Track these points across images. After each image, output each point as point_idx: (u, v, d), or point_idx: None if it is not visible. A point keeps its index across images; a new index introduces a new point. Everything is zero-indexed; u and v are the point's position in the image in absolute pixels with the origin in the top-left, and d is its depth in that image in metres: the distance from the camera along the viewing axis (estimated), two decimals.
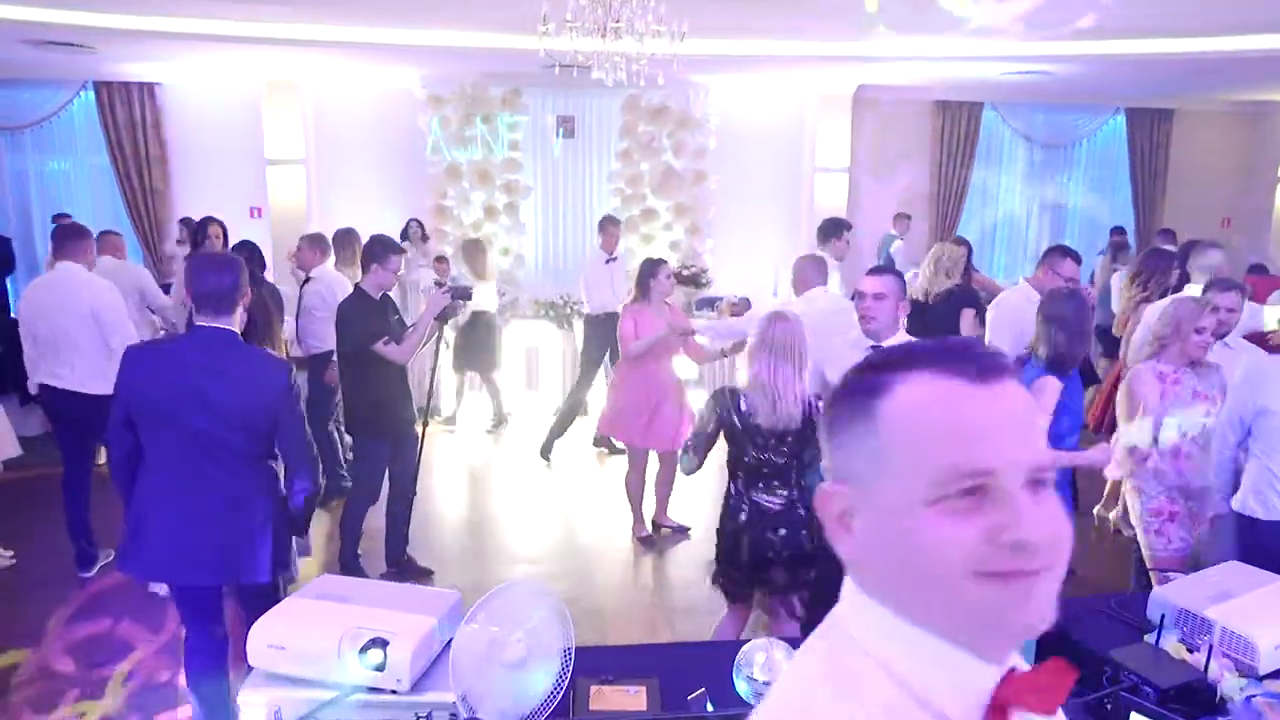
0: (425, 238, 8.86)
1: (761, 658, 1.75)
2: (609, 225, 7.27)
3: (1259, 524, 3.01)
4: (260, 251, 5.41)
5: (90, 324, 4.47)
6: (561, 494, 6.26)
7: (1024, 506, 0.74)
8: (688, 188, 9.76)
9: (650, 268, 5.21)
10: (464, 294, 4.55)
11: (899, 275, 3.33)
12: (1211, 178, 11.45)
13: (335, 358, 4.83)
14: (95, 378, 4.43)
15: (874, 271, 3.32)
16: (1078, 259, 4.67)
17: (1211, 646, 1.86)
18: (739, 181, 9.92)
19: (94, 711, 3.26)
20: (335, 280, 5.75)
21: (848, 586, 0.83)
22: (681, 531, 5.35)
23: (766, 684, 1.73)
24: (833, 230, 6.05)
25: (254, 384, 2.72)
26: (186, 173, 9.50)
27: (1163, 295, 5.01)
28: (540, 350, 8.18)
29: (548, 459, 6.78)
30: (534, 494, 6.22)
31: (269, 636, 1.73)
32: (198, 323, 2.76)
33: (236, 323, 2.78)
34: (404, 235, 8.67)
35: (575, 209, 10.20)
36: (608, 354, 7.02)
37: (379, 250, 4.35)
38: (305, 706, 1.69)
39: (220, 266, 2.79)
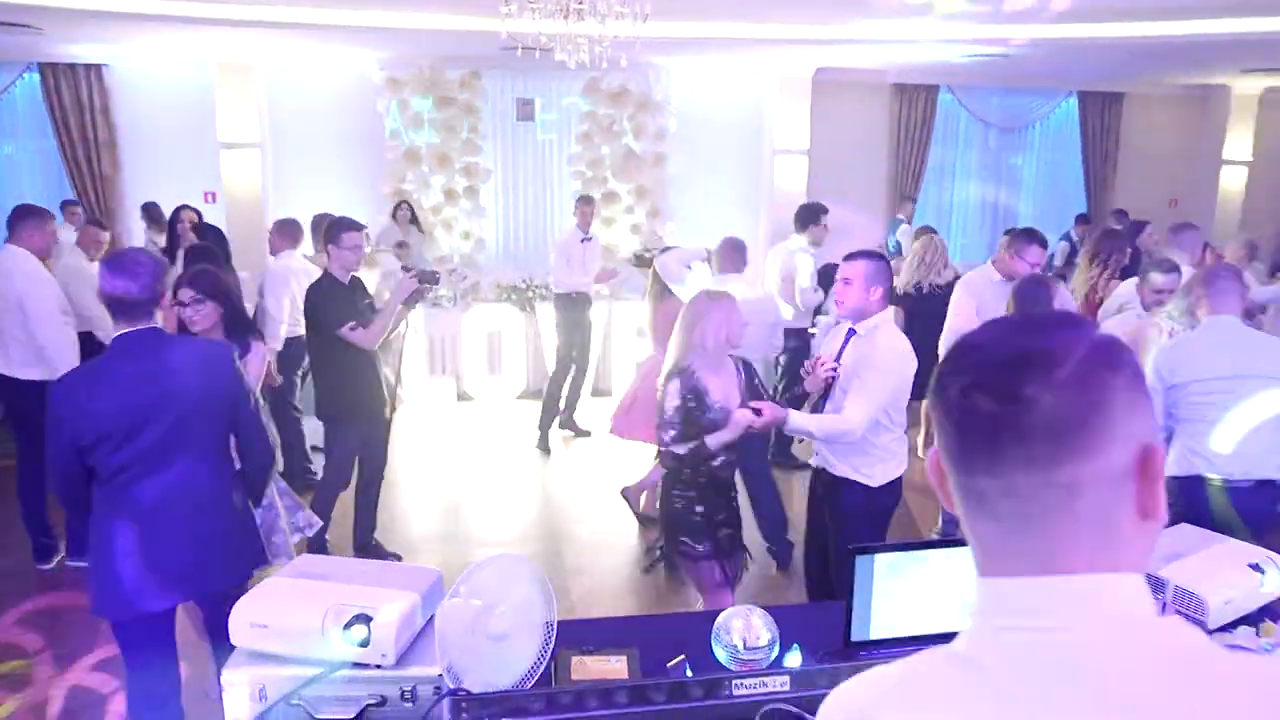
0: (414, 220, 8.72)
1: (740, 624, 1.80)
2: (584, 204, 7.25)
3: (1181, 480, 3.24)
4: (225, 238, 5.33)
5: (18, 313, 4.38)
6: (529, 477, 6.28)
7: None
8: (648, 170, 9.76)
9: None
10: (431, 278, 4.53)
11: (875, 259, 3.28)
12: (1160, 159, 11.72)
13: (306, 342, 4.79)
14: (27, 365, 4.36)
15: (848, 257, 3.33)
16: (1044, 244, 4.78)
17: (1165, 603, 1.95)
18: (699, 164, 9.95)
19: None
20: (294, 268, 5.74)
21: None
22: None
23: (747, 649, 1.78)
24: (809, 216, 6.12)
25: (200, 375, 2.58)
26: (137, 157, 9.30)
27: (1121, 274, 5.18)
28: (502, 334, 8.16)
29: (547, 449, 6.77)
30: (500, 478, 6.23)
31: (251, 615, 1.74)
32: (116, 331, 2.53)
33: (159, 321, 2.60)
34: (393, 218, 8.58)
35: (535, 192, 10.17)
36: (581, 336, 7.01)
37: (332, 231, 4.32)
38: (289, 684, 1.70)
39: (131, 268, 2.50)
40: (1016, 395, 0.76)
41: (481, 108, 9.46)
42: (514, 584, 1.68)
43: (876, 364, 3.12)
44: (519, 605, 1.67)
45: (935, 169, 11.19)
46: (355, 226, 4.37)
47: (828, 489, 3.32)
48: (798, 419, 3.15)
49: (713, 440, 3.08)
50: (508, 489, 6.02)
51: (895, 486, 3.30)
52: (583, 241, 7.05)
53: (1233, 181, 11.84)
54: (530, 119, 9.91)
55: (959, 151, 11.40)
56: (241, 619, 1.74)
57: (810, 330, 6.41)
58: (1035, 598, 0.77)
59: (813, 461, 3.43)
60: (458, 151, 9.38)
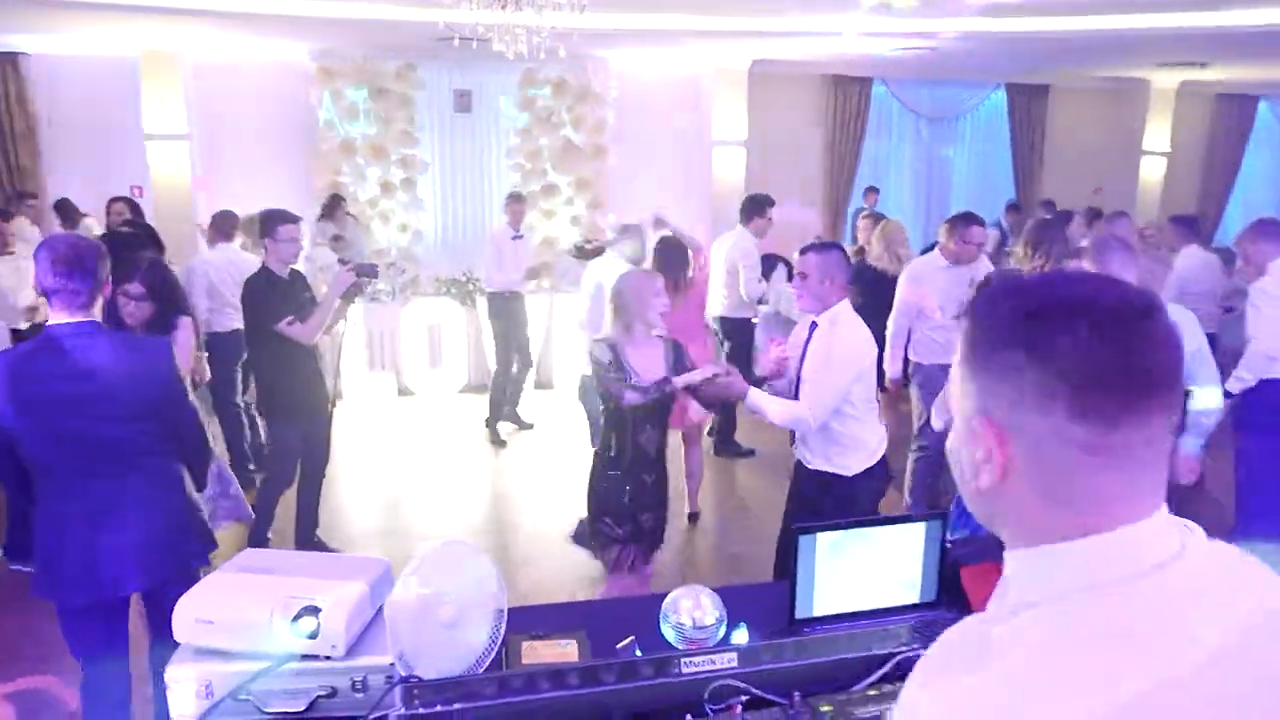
0: (348, 214, 8.60)
1: (688, 604, 1.83)
2: (514, 202, 7.19)
3: None
4: (155, 232, 5.19)
5: None
6: (472, 471, 6.25)
7: None
8: (588, 162, 9.76)
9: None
10: (370, 271, 4.48)
11: (828, 250, 3.30)
12: (1084, 150, 12.10)
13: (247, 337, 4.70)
14: None
15: (802, 251, 3.35)
16: (982, 224, 4.98)
17: None
18: (639, 155, 9.97)
19: None
20: (226, 260, 5.63)
21: None
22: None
23: (695, 628, 1.81)
24: (754, 208, 6.17)
25: (138, 371, 2.52)
26: (58, 149, 8.96)
27: (1058, 261, 5.38)
28: (442, 328, 8.09)
29: (501, 443, 6.75)
30: (444, 472, 6.19)
31: (196, 611, 1.71)
32: (51, 320, 2.45)
33: (97, 314, 2.53)
34: (327, 213, 8.40)
35: (474, 184, 10.09)
36: (518, 332, 6.99)
37: (267, 224, 4.25)
38: (236, 679, 1.68)
39: (73, 256, 2.43)
40: (1163, 343, 0.78)
41: (418, 99, 9.36)
42: (463, 571, 1.69)
43: (833, 355, 3.16)
44: (469, 592, 1.67)
45: (870, 160, 11.39)
46: (291, 219, 4.29)
47: (806, 482, 3.36)
48: (757, 397, 3.20)
49: (679, 380, 3.21)
50: (451, 483, 5.99)
51: (874, 473, 3.34)
52: (514, 239, 7.01)
53: (1152, 172, 12.28)
54: (468, 110, 9.83)
55: (893, 143, 11.62)
56: (185, 615, 1.72)
57: (753, 320, 6.50)
58: (1166, 534, 0.80)
59: (795, 453, 3.47)
60: (394, 143, 9.26)
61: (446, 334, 8.07)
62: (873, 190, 10.67)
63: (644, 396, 3.18)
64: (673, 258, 5.05)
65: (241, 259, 5.60)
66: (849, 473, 3.27)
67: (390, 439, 6.87)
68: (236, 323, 4.93)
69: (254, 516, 3.97)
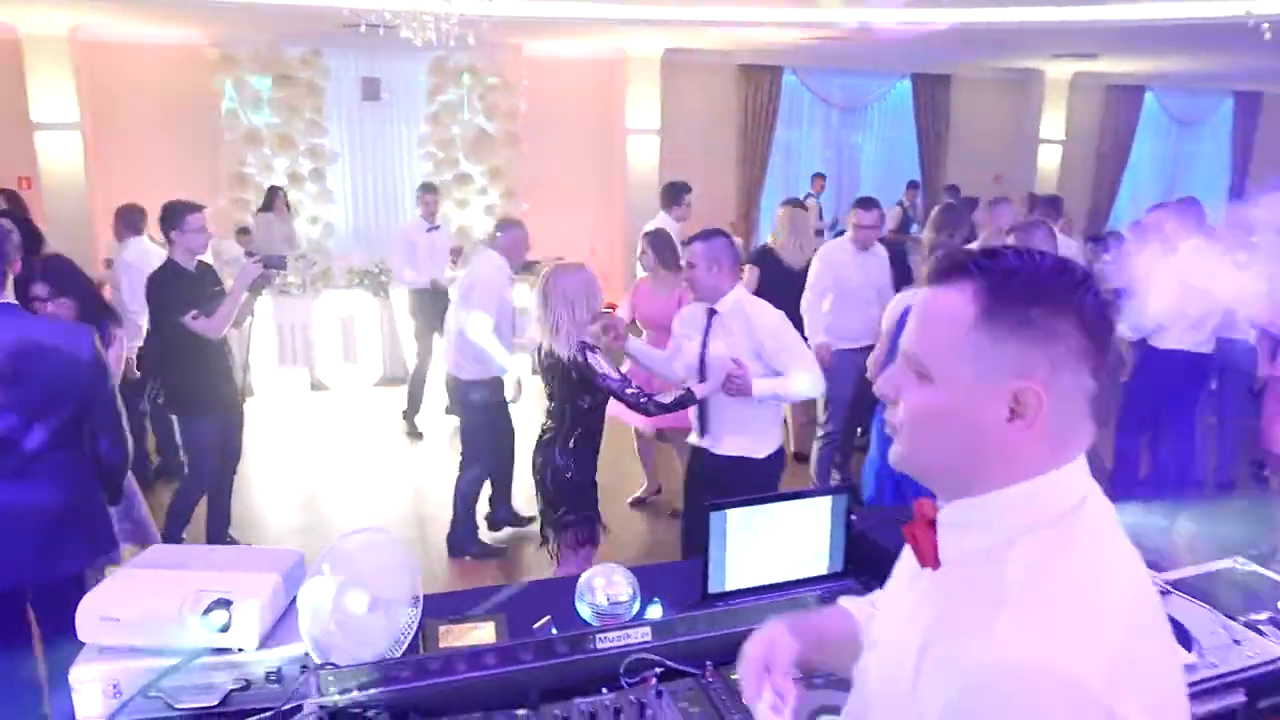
0: (288, 206, 8.39)
1: (601, 582, 1.87)
2: (426, 193, 7.06)
3: None
4: (35, 227, 4.92)
5: None
6: (389, 465, 6.18)
7: (890, 369, 1.01)
8: (501, 151, 9.70)
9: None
10: (277, 263, 4.37)
11: (711, 237, 3.27)
12: (985, 138, 12.52)
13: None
14: None
15: (685, 243, 3.34)
16: (873, 205, 5.15)
17: None
18: (553, 144, 9.95)
19: None
20: (141, 254, 5.40)
21: None
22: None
23: (610, 605, 1.85)
24: (672, 195, 6.25)
25: (56, 358, 2.43)
26: None
27: (964, 243, 5.60)
28: (356, 320, 7.95)
29: (418, 435, 6.68)
30: (360, 467, 6.11)
31: (101, 609, 1.67)
32: None
33: (10, 295, 2.45)
34: (267, 205, 8.20)
35: (385, 174, 9.92)
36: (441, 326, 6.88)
37: (172, 215, 4.11)
38: (146, 676, 1.65)
39: None
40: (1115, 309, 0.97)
41: (325, 87, 9.15)
42: (378, 558, 1.70)
43: (770, 327, 3.21)
44: (383, 579, 1.68)
45: (781, 148, 11.57)
46: (196, 208, 4.17)
47: (713, 469, 3.35)
48: (765, 386, 3.17)
49: (700, 390, 3.16)
50: (369, 477, 5.91)
51: (780, 457, 3.40)
52: (429, 231, 6.89)
53: (1049, 159, 12.80)
54: (377, 99, 9.65)
55: (804, 131, 11.83)
56: (90, 613, 1.67)
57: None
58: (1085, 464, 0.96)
59: (692, 440, 3.48)
60: (301, 133, 9.05)
61: (360, 327, 7.93)
62: (819, 176, 10.90)
63: (667, 409, 3.15)
64: (662, 245, 4.93)
65: (156, 253, 5.25)
66: (760, 455, 3.31)
67: (305, 435, 6.73)
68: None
69: (158, 538, 3.76)
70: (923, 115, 12.18)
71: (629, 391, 3.10)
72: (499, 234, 4.76)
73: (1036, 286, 0.91)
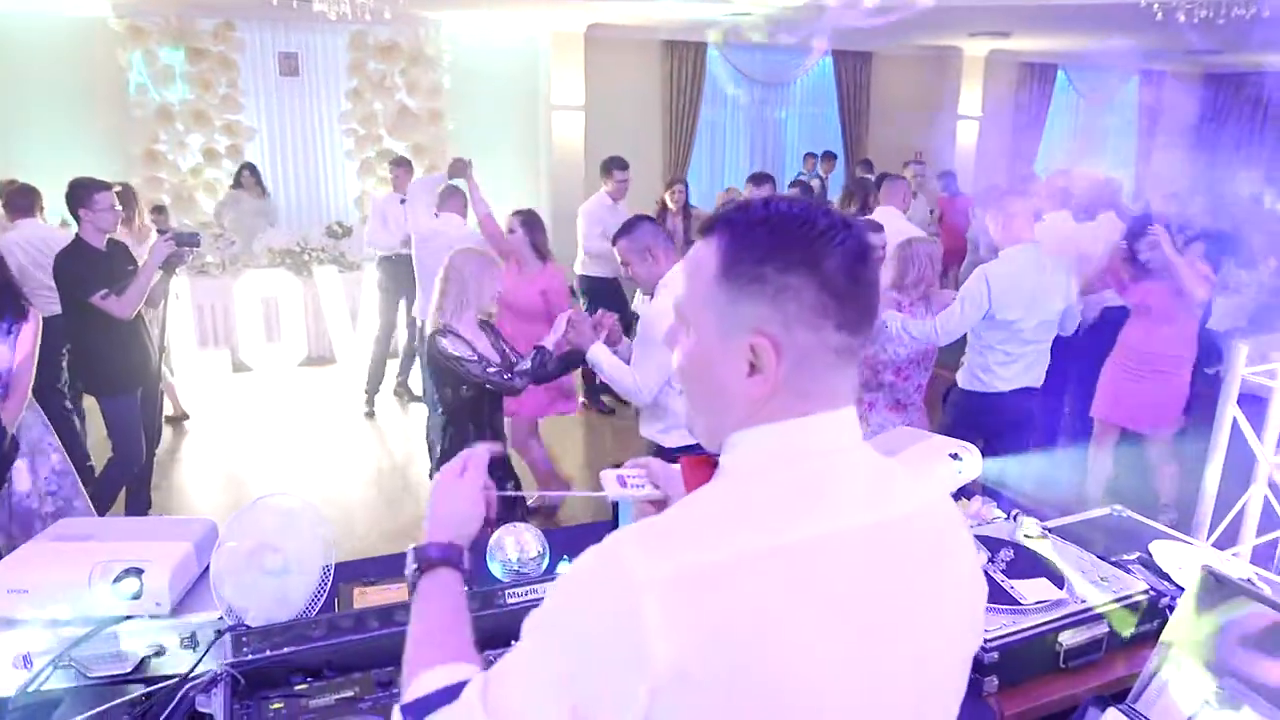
0: (260, 184, 8.29)
1: (511, 540, 1.94)
2: (397, 166, 7.19)
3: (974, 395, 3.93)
4: None
5: None
6: (317, 445, 6.13)
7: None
8: (424, 127, 9.59)
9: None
10: (190, 240, 4.29)
11: (631, 229, 3.21)
12: (906, 115, 12.77)
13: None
14: None
15: (613, 240, 3.29)
16: (765, 180, 5.30)
17: None
18: (477, 120, 9.87)
19: None
20: (35, 238, 5.13)
21: None
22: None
23: (518, 562, 1.92)
24: (604, 170, 6.42)
25: None
26: None
27: (865, 211, 5.87)
28: (279, 300, 7.82)
29: (373, 413, 6.65)
30: (284, 447, 6.05)
31: (8, 581, 1.67)
32: None
33: None
34: (237, 183, 8.21)
35: (306, 152, 9.72)
36: (407, 297, 6.83)
37: (80, 193, 4.03)
38: (57, 646, 1.67)
39: None
40: (876, 267, 0.96)
41: (239, 62, 8.92)
42: (290, 521, 1.73)
43: (651, 331, 3.11)
44: (294, 541, 1.72)
45: (707, 124, 11.66)
46: (104, 186, 4.09)
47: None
48: (598, 351, 3.13)
49: (550, 342, 3.13)
50: (296, 458, 5.86)
51: (693, 450, 3.39)
52: (402, 203, 6.89)
53: (967, 135, 13.14)
54: (294, 74, 9.43)
55: (728, 107, 11.93)
56: None
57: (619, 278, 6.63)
58: (855, 422, 0.97)
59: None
60: (216, 109, 8.81)
61: (284, 306, 7.81)
62: (811, 156, 11.02)
63: (531, 376, 3.08)
64: (536, 225, 4.80)
65: (52, 234, 5.13)
66: (668, 444, 3.23)
67: (228, 416, 6.63)
68: (55, 305, 4.55)
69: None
70: (845, 91, 12.38)
71: (490, 371, 3.01)
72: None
73: (772, 241, 0.90)
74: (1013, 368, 3.88)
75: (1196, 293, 4.19)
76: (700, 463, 1.05)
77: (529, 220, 4.80)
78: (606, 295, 6.41)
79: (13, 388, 3.37)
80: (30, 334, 3.40)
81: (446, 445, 3.17)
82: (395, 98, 9.43)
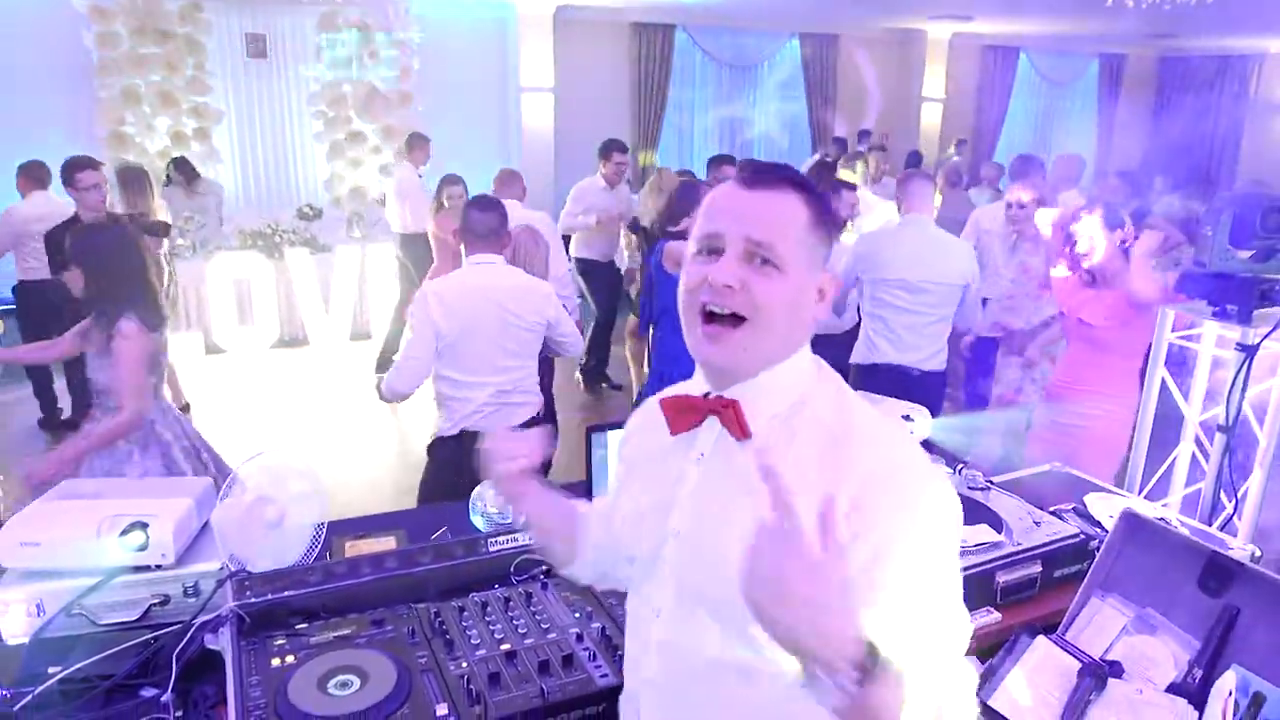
0: (189, 179, 8.10)
1: (492, 493, 2.07)
2: (418, 140, 7.44)
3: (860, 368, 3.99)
4: None
5: None
6: (292, 425, 6.21)
7: (727, 261, 1.10)
8: (394, 109, 9.60)
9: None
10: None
11: (488, 210, 3.29)
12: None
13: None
14: None
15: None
16: (733, 162, 5.41)
17: None
18: (447, 102, 9.90)
19: None
20: (45, 211, 5.37)
21: None
22: None
23: (500, 515, 2.06)
24: (601, 153, 6.49)
25: None
26: None
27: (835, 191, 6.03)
28: (251, 283, 7.85)
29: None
30: (262, 428, 6.12)
31: (21, 535, 1.78)
32: None
33: None
34: (168, 180, 7.90)
35: (275, 133, 9.72)
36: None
37: (65, 172, 4.16)
38: (68, 594, 1.78)
39: None
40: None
41: (207, 43, 8.88)
42: (285, 476, 1.85)
43: None
44: (291, 494, 1.84)
45: (675, 106, 11.77)
46: (90, 164, 4.21)
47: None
48: None
49: None
50: (274, 437, 5.94)
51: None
52: (421, 178, 7.02)
53: (931, 117, 13.36)
54: (263, 56, 9.42)
55: (696, 90, 12.04)
56: (10, 539, 1.79)
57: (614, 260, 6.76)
58: None
59: None
60: (183, 91, 8.78)
61: (256, 289, 7.85)
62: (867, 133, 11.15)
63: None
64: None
65: (59, 208, 5.31)
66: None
67: (202, 398, 6.67)
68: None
69: None
70: (811, 73, 12.53)
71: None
72: None
73: (827, 203, 1.15)
74: (876, 341, 3.93)
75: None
76: (722, 406, 1.13)
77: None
78: (602, 278, 6.56)
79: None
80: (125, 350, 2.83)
81: None
82: (364, 79, 9.43)
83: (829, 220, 1.15)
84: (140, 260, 2.86)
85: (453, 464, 3.05)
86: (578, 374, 6.71)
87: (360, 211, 8.97)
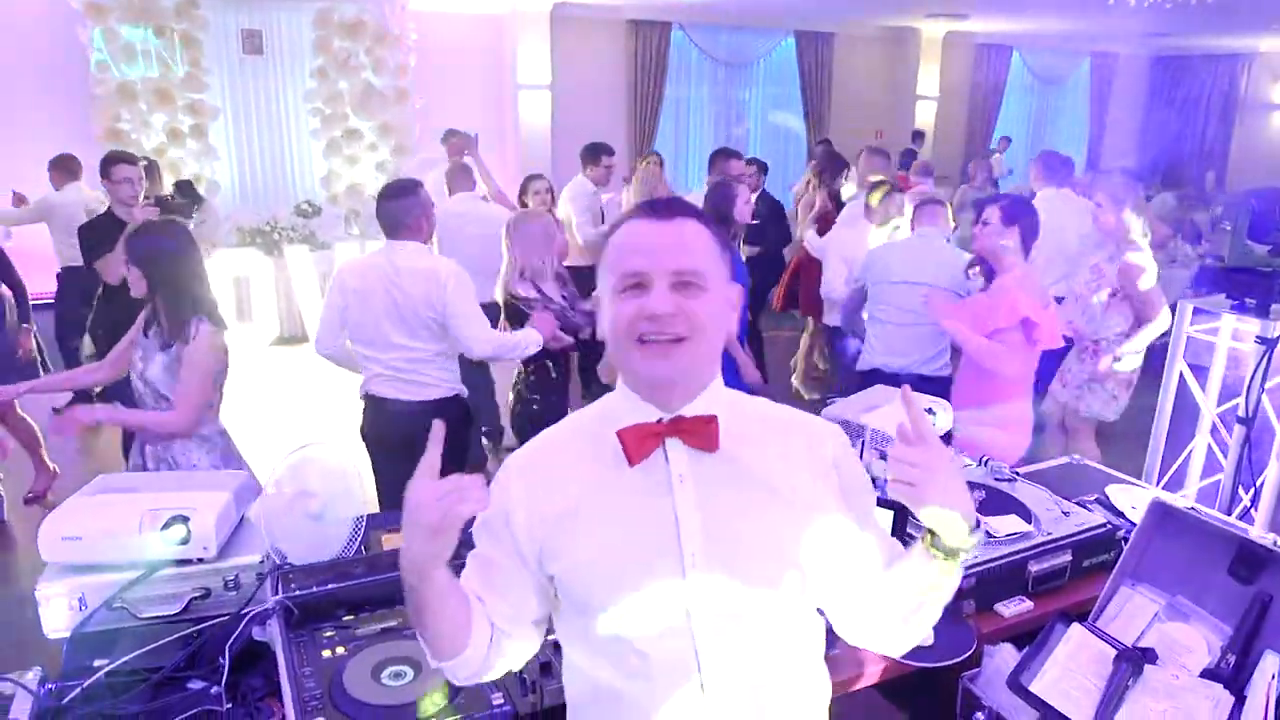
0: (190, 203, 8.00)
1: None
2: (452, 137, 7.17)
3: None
4: None
5: None
6: (296, 422, 6.20)
7: (659, 293, 1.16)
8: (391, 107, 9.58)
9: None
10: (179, 209, 4.39)
11: (406, 195, 3.40)
12: (866, 94, 13.01)
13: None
14: None
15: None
16: (739, 156, 5.41)
17: (864, 442, 2.46)
18: (444, 100, 9.88)
19: None
20: (78, 200, 6.05)
21: None
22: None
23: None
24: (589, 156, 6.37)
25: None
26: None
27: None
28: (250, 280, 7.83)
29: None
30: (266, 423, 6.11)
31: (63, 530, 1.78)
32: None
33: None
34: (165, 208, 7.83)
35: (271, 130, 9.69)
36: None
37: (102, 165, 4.27)
38: (110, 589, 1.78)
39: None
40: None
41: (203, 40, 8.84)
42: (326, 470, 1.86)
43: None
44: (332, 488, 1.85)
45: (671, 103, 11.78)
46: (127, 159, 4.28)
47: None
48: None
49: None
50: (279, 434, 5.93)
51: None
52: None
53: (925, 115, 13.41)
54: (259, 52, 9.39)
55: (692, 87, 12.05)
56: (51, 534, 1.79)
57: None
58: None
59: None
60: (179, 88, 8.73)
61: (255, 286, 7.82)
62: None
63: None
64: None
65: (89, 200, 5.97)
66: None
67: None
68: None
69: None
70: (806, 71, 12.56)
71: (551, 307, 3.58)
72: None
73: (720, 227, 1.31)
74: (874, 345, 3.89)
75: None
76: (698, 425, 1.20)
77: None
78: (587, 284, 6.51)
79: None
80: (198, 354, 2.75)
81: (525, 392, 3.72)
82: (361, 76, 9.41)
83: (725, 239, 1.25)
84: (201, 259, 2.86)
85: (364, 426, 3.42)
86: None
87: (357, 208, 8.95)
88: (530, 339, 3.31)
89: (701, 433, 1.18)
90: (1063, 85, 15.27)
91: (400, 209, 3.18)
